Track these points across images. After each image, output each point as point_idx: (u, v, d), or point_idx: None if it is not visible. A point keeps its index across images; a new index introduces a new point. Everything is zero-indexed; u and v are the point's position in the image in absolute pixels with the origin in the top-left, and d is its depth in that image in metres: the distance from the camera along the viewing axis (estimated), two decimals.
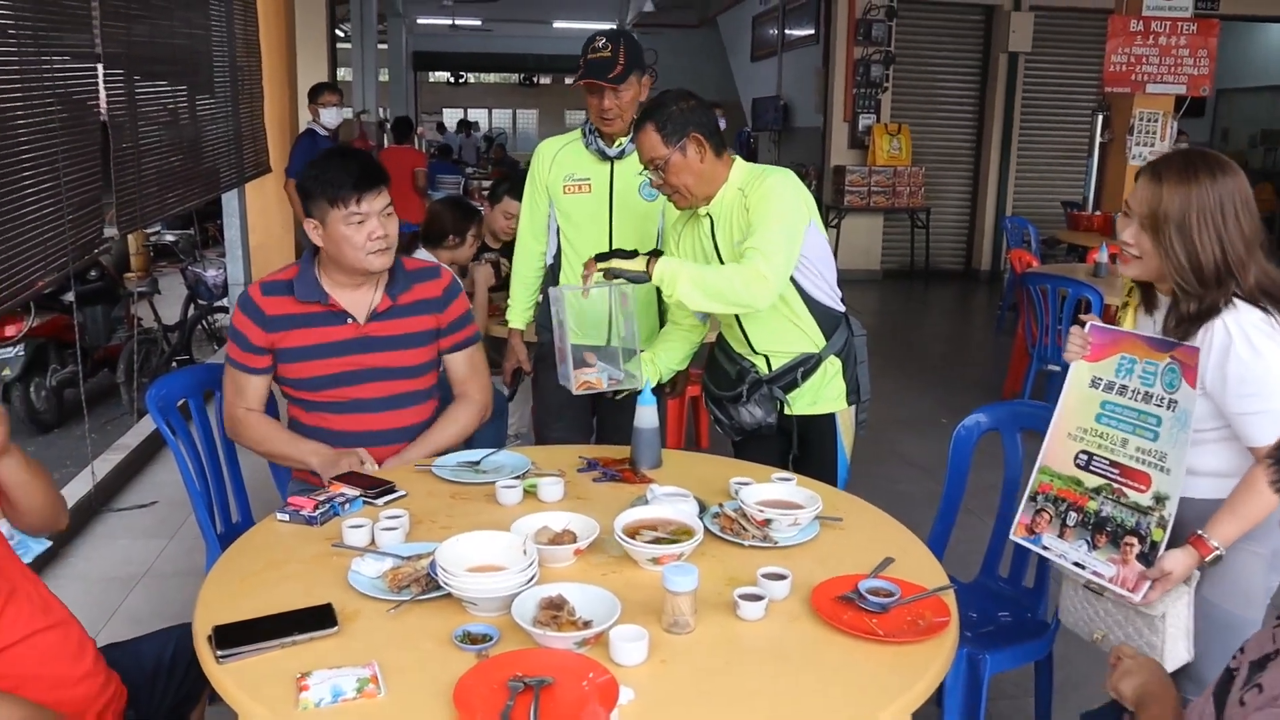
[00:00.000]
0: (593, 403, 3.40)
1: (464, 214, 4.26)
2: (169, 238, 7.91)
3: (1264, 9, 10.55)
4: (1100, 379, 2.07)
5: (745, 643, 1.66)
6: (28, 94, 3.58)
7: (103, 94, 4.38)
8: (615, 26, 17.26)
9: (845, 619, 1.69)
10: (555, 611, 1.61)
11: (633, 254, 2.52)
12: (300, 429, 2.65)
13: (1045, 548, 2.11)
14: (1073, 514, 2.06)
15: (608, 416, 3.36)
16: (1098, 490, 2.03)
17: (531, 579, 1.70)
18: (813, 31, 11.57)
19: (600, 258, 2.54)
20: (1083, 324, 2.15)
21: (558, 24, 19.50)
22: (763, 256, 2.40)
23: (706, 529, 1.99)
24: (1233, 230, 1.92)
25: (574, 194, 3.13)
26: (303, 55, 8.70)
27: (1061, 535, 2.07)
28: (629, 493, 2.26)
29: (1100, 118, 8.29)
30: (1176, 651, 1.97)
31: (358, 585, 1.78)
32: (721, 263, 2.60)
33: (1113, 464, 2.01)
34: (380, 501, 2.18)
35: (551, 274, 3.29)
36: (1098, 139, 8.33)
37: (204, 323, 7.09)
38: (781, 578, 1.78)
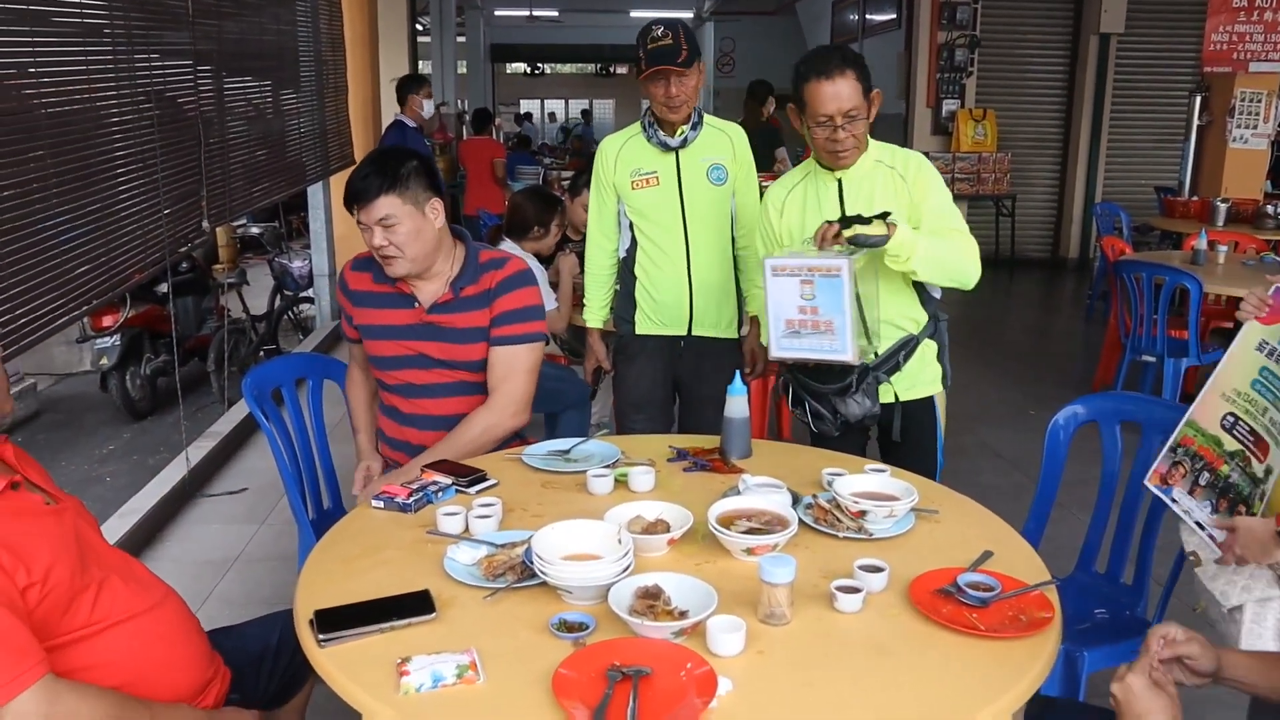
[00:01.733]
0: (675, 395, 3.38)
1: (546, 204, 4.27)
2: (255, 230, 8.06)
3: None
4: (1267, 343, 1.97)
5: (843, 635, 1.63)
6: (120, 91, 3.68)
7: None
8: (691, 15, 17.21)
9: (945, 613, 1.66)
10: (651, 601, 1.60)
11: (868, 220, 2.44)
12: (380, 407, 2.74)
13: (1174, 500, 2.04)
14: (1206, 474, 1.98)
15: (690, 411, 3.35)
16: (1233, 455, 1.95)
17: (627, 568, 1.70)
18: (894, 16, 11.36)
19: (844, 224, 2.45)
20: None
21: (634, 13, 19.45)
22: (969, 238, 2.50)
23: (800, 520, 1.97)
24: None
25: (643, 188, 3.12)
26: (384, 49, 8.82)
27: (1191, 492, 2.01)
28: (720, 483, 2.24)
29: (1198, 99, 8.02)
30: (1262, 644, 1.90)
31: (453, 572, 1.79)
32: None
33: (1250, 431, 1.94)
34: (473, 490, 2.19)
35: (625, 268, 3.28)
36: (1195, 121, 8.06)
37: (290, 313, 7.24)
38: (879, 570, 1.75)
